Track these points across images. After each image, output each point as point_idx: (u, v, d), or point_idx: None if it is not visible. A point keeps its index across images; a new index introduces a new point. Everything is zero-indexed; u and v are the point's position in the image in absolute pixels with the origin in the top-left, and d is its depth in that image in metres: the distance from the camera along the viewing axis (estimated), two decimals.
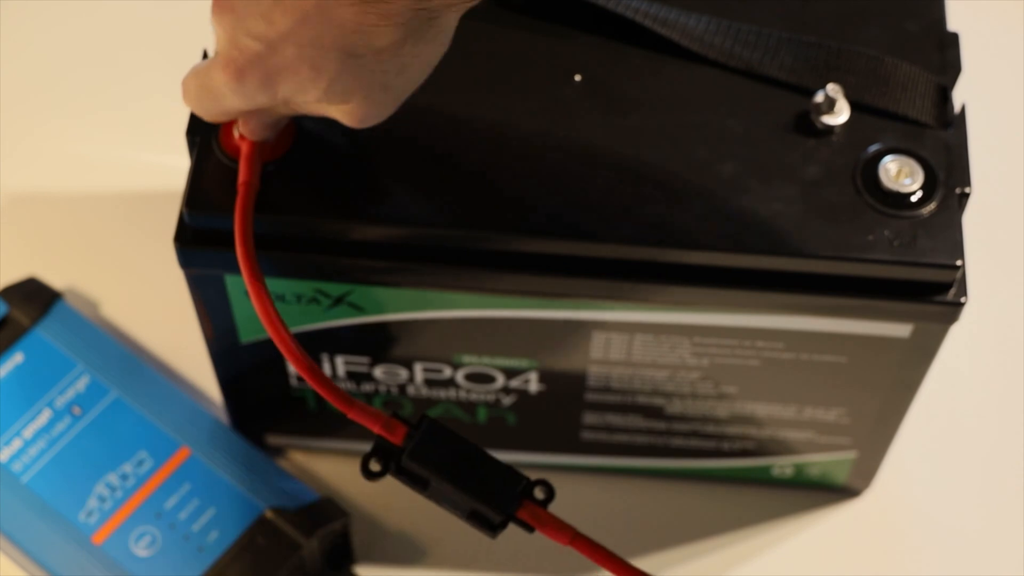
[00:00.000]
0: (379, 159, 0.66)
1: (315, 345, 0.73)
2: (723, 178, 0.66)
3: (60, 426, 0.78)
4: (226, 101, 0.60)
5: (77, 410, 0.78)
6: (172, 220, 0.68)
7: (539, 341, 0.72)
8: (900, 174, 0.66)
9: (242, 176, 0.64)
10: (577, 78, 0.69)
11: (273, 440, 0.83)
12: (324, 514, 0.75)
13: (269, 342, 0.62)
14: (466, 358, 0.73)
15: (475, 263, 0.66)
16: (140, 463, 0.77)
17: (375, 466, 0.62)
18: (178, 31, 0.97)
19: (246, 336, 0.72)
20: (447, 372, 0.74)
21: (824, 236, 0.64)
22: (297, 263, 0.67)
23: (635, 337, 0.71)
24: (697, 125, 0.68)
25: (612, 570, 0.61)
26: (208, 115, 0.63)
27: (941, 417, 0.85)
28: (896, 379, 0.72)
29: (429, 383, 0.75)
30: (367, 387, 0.76)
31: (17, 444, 0.77)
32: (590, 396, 0.76)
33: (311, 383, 0.61)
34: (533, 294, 0.68)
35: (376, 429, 0.61)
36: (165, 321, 0.86)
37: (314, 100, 0.59)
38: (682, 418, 0.77)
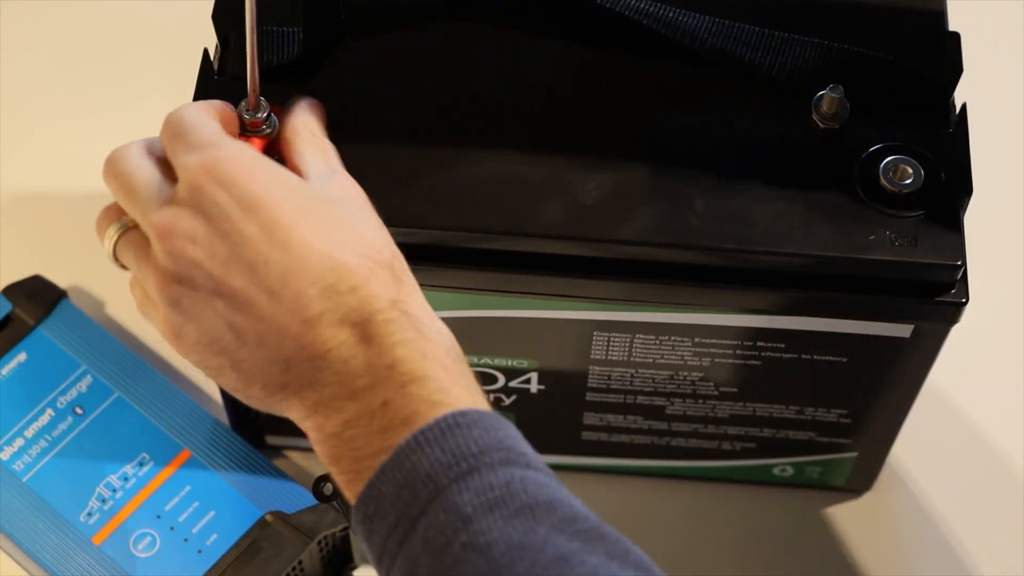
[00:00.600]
0: (379, 160, 0.66)
1: None
2: (723, 178, 0.66)
3: (62, 426, 0.78)
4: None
5: (79, 410, 0.78)
6: None
7: (539, 341, 0.72)
8: (900, 174, 0.65)
9: None
10: (578, 78, 0.69)
11: (273, 440, 0.83)
12: (324, 518, 0.75)
13: None
14: (466, 358, 0.73)
15: (475, 263, 0.66)
16: (141, 464, 0.77)
17: (328, 489, 0.62)
18: (178, 31, 0.97)
19: None
20: None
21: (824, 236, 0.64)
22: None
23: (635, 337, 0.71)
24: (697, 125, 0.67)
25: None
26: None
27: (941, 417, 0.85)
28: (896, 379, 0.72)
29: None
30: None
31: (19, 443, 0.77)
32: (590, 396, 0.76)
33: None
34: (533, 294, 0.68)
35: None
36: None
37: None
38: (682, 418, 0.77)
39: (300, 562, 0.74)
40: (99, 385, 0.79)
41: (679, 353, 0.72)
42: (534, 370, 0.74)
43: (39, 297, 0.82)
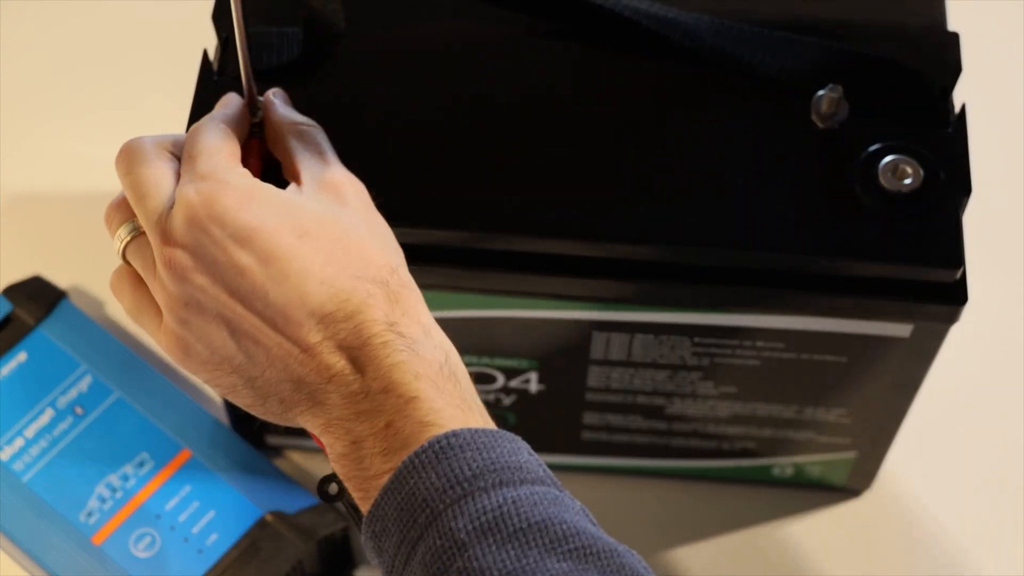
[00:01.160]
0: (379, 161, 0.66)
1: None
2: (723, 178, 0.66)
3: (62, 426, 0.78)
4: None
5: (79, 410, 0.78)
6: None
7: (539, 341, 0.72)
8: (900, 174, 0.66)
9: None
10: (577, 78, 0.69)
11: (273, 440, 0.83)
12: (324, 518, 0.75)
13: None
14: (466, 358, 0.73)
15: (475, 263, 0.66)
16: (141, 464, 0.77)
17: (333, 489, 0.63)
18: (178, 31, 0.97)
19: None
20: None
21: (824, 236, 0.64)
22: None
23: (635, 337, 0.71)
24: (697, 125, 0.68)
25: None
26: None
27: (941, 417, 0.85)
28: (896, 379, 0.72)
29: None
30: None
31: (19, 443, 0.77)
32: (590, 396, 0.76)
33: None
34: (533, 294, 0.68)
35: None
36: None
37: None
38: (682, 418, 0.77)
39: (300, 562, 0.74)
40: (99, 385, 0.79)
41: (679, 353, 0.72)
42: (534, 370, 0.74)
43: (39, 297, 0.82)
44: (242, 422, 0.81)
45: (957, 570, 0.81)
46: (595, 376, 0.74)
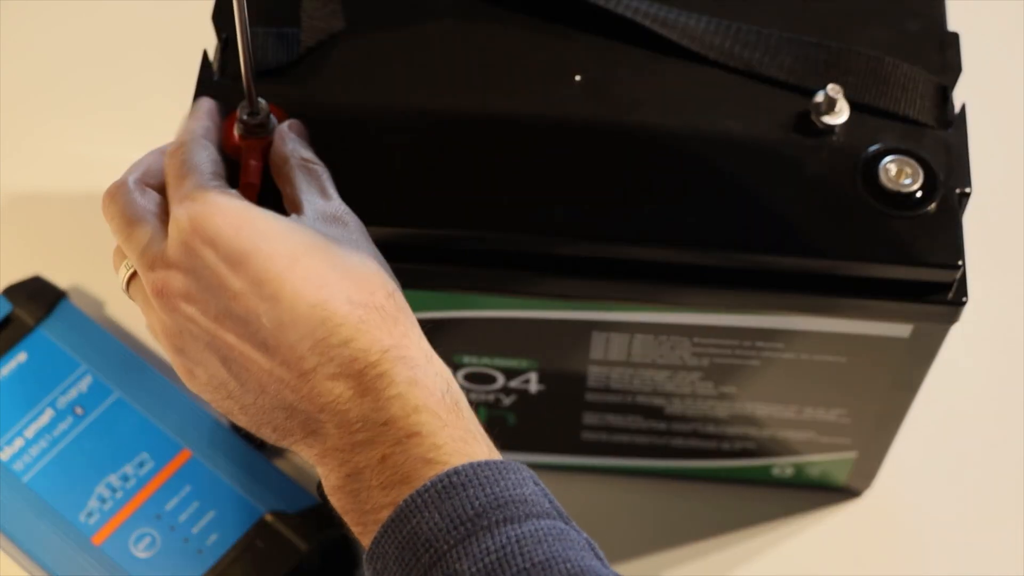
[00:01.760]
0: (379, 160, 0.66)
1: None
2: (723, 178, 0.66)
3: (62, 426, 0.78)
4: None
5: (79, 410, 0.78)
6: None
7: (539, 341, 0.72)
8: (900, 174, 0.66)
9: (244, 177, 0.64)
10: (577, 78, 0.69)
11: None
12: (324, 518, 0.75)
13: None
14: (466, 358, 0.73)
15: (475, 263, 0.66)
16: (141, 464, 0.77)
17: None
18: (178, 31, 0.97)
19: None
20: None
21: (824, 236, 0.64)
22: None
23: (635, 337, 0.71)
24: (697, 125, 0.67)
25: None
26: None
27: (941, 417, 0.85)
28: (896, 379, 0.72)
29: None
30: None
31: (19, 443, 0.77)
32: (590, 396, 0.76)
33: None
34: (533, 294, 0.68)
35: None
36: None
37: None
38: (682, 418, 0.77)
39: (300, 562, 0.74)
40: (99, 385, 0.79)
41: (678, 353, 0.72)
42: (534, 370, 0.74)
43: (39, 297, 0.82)
44: None
45: (957, 570, 0.81)
46: (595, 376, 0.74)
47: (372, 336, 0.55)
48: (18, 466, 0.77)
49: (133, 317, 0.87)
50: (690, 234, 0.65)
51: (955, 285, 0.66)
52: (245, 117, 0.65)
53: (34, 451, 0.77)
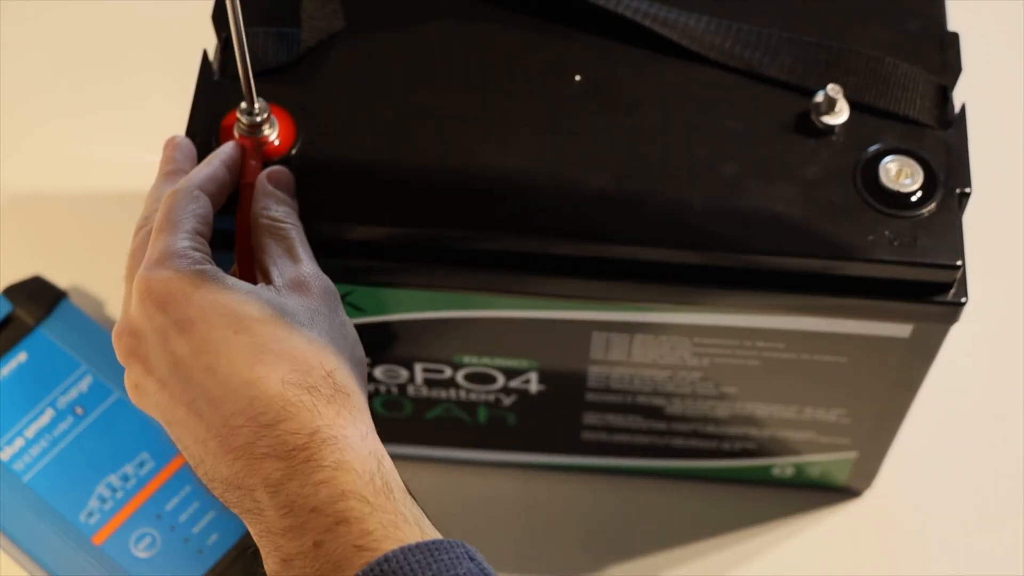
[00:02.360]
0: (379, 160, 0.66)
1: None
2: (723, 178, 0.66)
3: (62, 426, 0.78)
4: None
5: (79, 410, 0.78)
6: None
7: (539, 341, 0.72)
8: (900, 174, 0.66)
9: (244, 177, 0.64)
10: (577, 78, 0.69)
11: None
12: None
13: None
14: (466, 358, 0.73)
15: (475, 263, 0.66)
16: (141, 464, 0.77)
17: None
18: (178, 31, 0.97)
19: None
20: (447, 372, 0.74)
21: (824, 236, 0.64)
22: None
23: (635, 337, 0.71)
24: (697, 125, 0.68)
25: None
26: None
27: (941, 417, 0.85)
28: (896, 379, 0.72)
29: (429, 383, 0.75)
30: (367, 387, 0.76)
31: (19, 443, 0.77)
32: (590, 396, 0.76)
33: None
34: (533, 294, 0.68)
35: None
36: None
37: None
38: (682, 418, 0.77)
39: None
40: (99, 385, 0.79)
41: (678, 353, 0.72)
42: (534, 370, 0.74)
43: (39, 297, 0.82)
44: None
45: (957, 570, 0.81)
46: (595, 376, 0.74)
47: (301, 418, 0.55)
48: (18, 466, 0.77)
49: None
50: (690, 234, 0.65)
51: (955, 285, 0.66)
52: (245, 117, 0.65)
53: (34, 451, 0.77)
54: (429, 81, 0.69)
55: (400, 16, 0.71)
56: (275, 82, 0.68)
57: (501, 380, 0.75)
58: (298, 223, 0.63)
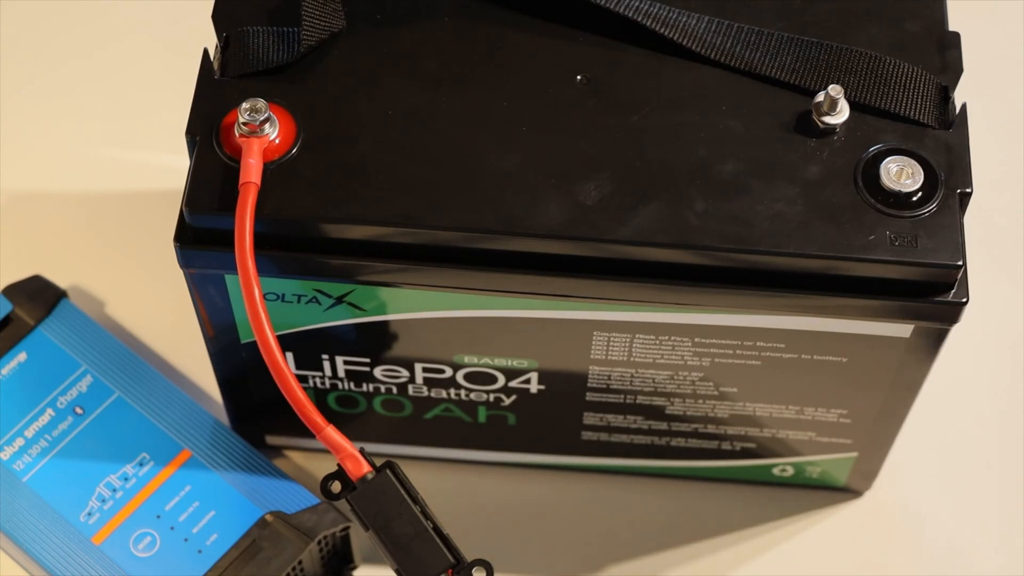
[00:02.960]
0: (380, 159, 0.66)
1: (315, 345, 0.73)
2: (723, 178, 0.66)
3: (62, 426, 0.78)
4: None
5: (79, 410, 0.78)
6: (174, 220, 0.68)
7: (539, 341, 0.72)
8: (901, 174, 0.66)
9: (243, 176, 0.64)
10: (579, 78, 0.69)
11: (273, 440, 0.83)
12: (324, 518, 0.75)
13: None
14: (466, 358, 0.73)
15: (475, 263, 0.66)
16: (141, 464, 0.77)
17: (336, 487, 0.63)
18: (178, 31, 0.97)
19: (246, 336, 0.72)
20: (447, 372, 0.74)
21: (824, 236, 0.64)
22: (298, 263, 0.67)
23: (635, 337, 0.71)
24: (697, 125, 0.68)
25: None
26: None
27: (941, 417, 0.85)
28: (896, 379, 0.72)
29: (429, 383, 0.75)
30: (367, 387, 0.76)
31: (19, 443, 0.77)
32: (590, 396, 0.76)
33: (288, 399, 0.64)
34: (533, 294, 0.68)
35: (339, 458, 0.64)
36: (170, 320, 0.86)
37: None
38: (683, 418, 0.77)
39: (300, 562, 0.74)
40: (99, 385, 0.79)
41: (679, 353, 0.72)
42: (534, 370, 0.74)
43: (39, 297, 0.82)
44: (242, 422, 0.81)
45: (957, 570, 0.81)
46: (595, 376, 0.74)
47: None
48: (18, 466, 0.77)
49: (133, 317, 0.87)
50: (690, 234, 0.65)
51: (956, 285, 0.66)
52: (245, 117, 0.65)
53: (34, 451, 0.77)
54: (429, 81, 0.69)
55: (400, 16, 0.71)
56: (275, 82, 0.68)
57: (501, 380, 0.75)
58: None
